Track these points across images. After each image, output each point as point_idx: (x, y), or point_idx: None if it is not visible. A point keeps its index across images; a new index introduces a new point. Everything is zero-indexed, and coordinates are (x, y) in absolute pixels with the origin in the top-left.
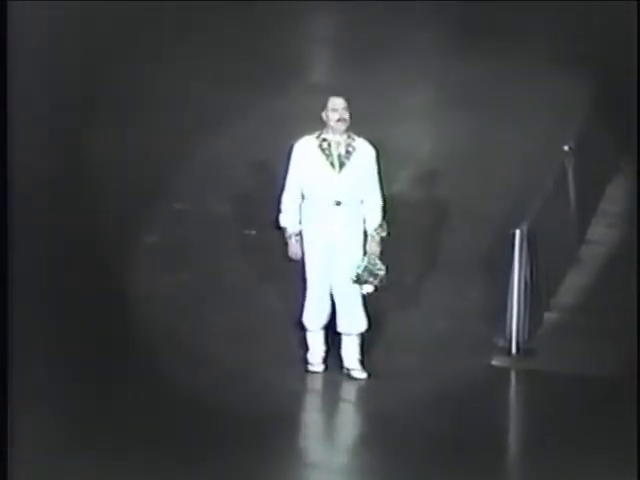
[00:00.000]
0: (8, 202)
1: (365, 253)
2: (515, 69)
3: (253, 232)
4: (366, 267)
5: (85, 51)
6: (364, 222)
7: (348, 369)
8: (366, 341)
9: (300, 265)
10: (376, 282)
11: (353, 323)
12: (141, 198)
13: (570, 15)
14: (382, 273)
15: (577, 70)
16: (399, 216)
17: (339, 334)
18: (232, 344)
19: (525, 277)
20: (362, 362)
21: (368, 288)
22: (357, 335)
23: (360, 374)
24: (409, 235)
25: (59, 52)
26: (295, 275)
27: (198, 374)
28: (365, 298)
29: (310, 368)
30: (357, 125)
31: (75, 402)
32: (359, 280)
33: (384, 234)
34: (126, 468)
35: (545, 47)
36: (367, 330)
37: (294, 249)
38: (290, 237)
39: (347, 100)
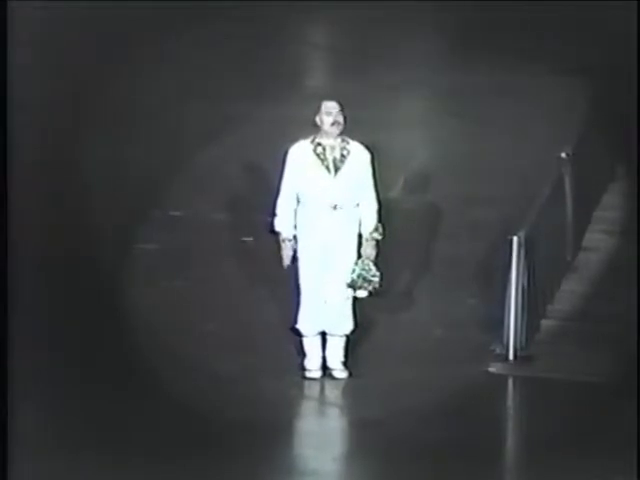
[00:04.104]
0: (8, 208)
1: (360, 256)
2: (512, 76)
3: (250, 239)
4: (360, 273)
5: (82, 59)
6: (360, 225)
7: (330, 369)
8: (363, 349)
9: (294, 270)
10: (370, 288)
11: (340, 325)
12: (138, 205)
13: (569, 21)
14: (376, 279)
15: (575, 76)
16: (396, 223)
17: (324, 334)
18: (229, 351)
19: (522, 284)
20: (345, 363)
21: (362, 293)
22: (342, 336)
23: (341, 374)
24: (406, 242)
25: (55, 63)
26: (293, 281)
27: (195, 381)
28: (355, 301)
29: (307, 374)
30: (354, 132)
31: (74, 405)
32: (353, 285)
33: (380, 237)
34: (123, 474)
35: (544, 54)
36: (352, 332)
37: (287, 252)
38: (284, 241)
39: (341, 103)
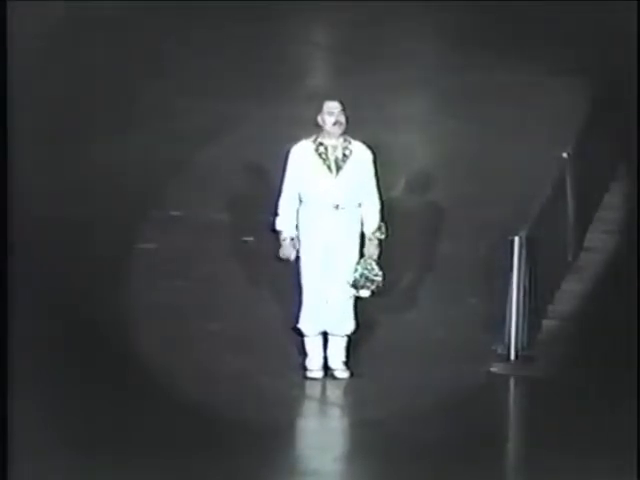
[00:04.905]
0: (8, 208)
1: (363, 256)
2: (512, 76)
3: (251, 239)
4: (363, 273)
5: (81, 59)
6: (362, 225)
7: (332, 369)
8: (364, 349)
9: (295, 270)
10: (373, 287)
11: (342, 324)
12: (138, 205)
13: (569, 21)
14: (379, 279)
15: (576, 76)
16: (397, 223)
17: (326, 334)
18: (230, 351)
19: (524, 284)
20: (346, 363)
21: (365, 292)
22: (344, 336)
23: (342, 374)
24: (407, 242)
25: (55, 63)
26: (294, 281)
27: (196, 381)
28: (357, 301)
29: (309, 374)
30: (355, 132)
31: (74, 405)
32: (356, 285)
33: (383, 237)
34: (123, 474)
35: (544, 54)
36: (354, 332)
37: (286, 251)
38: (284, 240)
39: (342, 103)
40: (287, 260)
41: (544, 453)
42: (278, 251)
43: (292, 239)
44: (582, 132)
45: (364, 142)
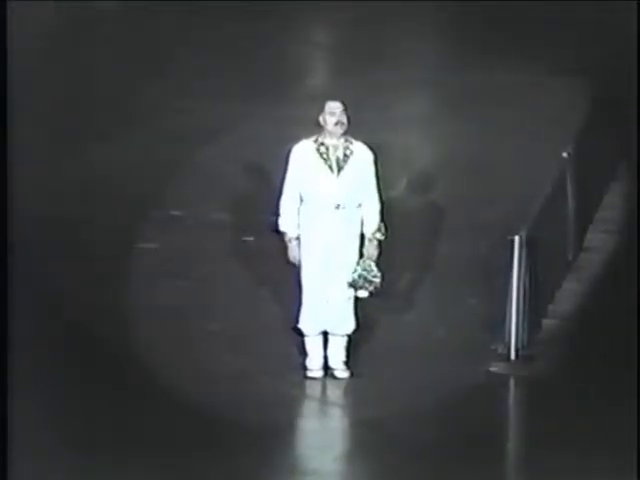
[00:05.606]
0: (8, 211)
1: (362, 256)
2: (513, 76)
3: (251, 239)
4: (361, 274)
5: (82, 59)
6: (362, 225)
7: (332, 369)
8: (365, 349)
9: (295, 269)
10: (371, 288)
11: (342, 324)
12: (138, 205)
13: (569, 21)
14: (377, 280)
15: (576, 76)
16: (397, 223)
17: (326, 333)
18: (230, 351)
19: (524, 283)
20: (346, 363)
21: (363, 293)
22: (344, 336)
23: (342, 374)
24: (407, 242)
25: (55, 63)
26: (294, 280)
27: (196, 381)
28: (357, 301)
29: (309, 374)
30: (356, 132)
31: (74, 405)
32: (354, 285)
33: (382, 237)
34: (123, 474)
35: (544, 54)
36: (354, 332)
37: (294, 253)
38: (290, 241)
39: (344, 103)
40: (296, 263)
41: (544, 453)
42: (286, 255)
43: (297, 239)
44: (582, 132)
45: (365, 142)
